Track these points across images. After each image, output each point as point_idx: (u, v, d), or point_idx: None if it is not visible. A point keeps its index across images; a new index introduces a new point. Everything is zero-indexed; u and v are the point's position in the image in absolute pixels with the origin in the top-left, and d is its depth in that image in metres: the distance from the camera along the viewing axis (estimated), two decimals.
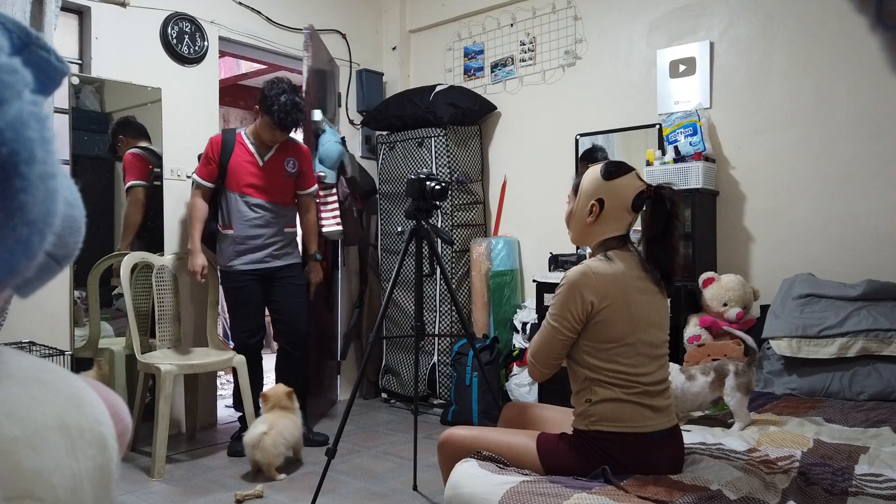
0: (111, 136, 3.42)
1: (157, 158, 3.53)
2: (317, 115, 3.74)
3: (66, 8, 3.14)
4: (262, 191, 3.28)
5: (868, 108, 3.04)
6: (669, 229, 1.74)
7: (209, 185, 3.27)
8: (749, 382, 2.32)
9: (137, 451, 3.22)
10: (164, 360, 3.10)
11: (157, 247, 3.50)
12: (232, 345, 3.57)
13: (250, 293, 3.32)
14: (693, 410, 2.42)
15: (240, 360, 3.26)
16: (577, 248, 3.56)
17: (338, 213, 3.80)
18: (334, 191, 3.83)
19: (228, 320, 3.47)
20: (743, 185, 3.38)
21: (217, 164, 3.26)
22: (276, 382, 3.31)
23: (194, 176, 3.31)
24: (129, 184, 3.43)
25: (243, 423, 3.23)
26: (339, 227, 3.80)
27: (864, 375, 2.65)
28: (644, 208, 1.78)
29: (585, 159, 3.83)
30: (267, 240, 3.31)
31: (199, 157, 3.40)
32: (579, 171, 3.70)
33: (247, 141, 3.30)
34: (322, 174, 3.69)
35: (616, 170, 1.77)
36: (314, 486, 2.48)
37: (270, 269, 3.33)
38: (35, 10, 2.75)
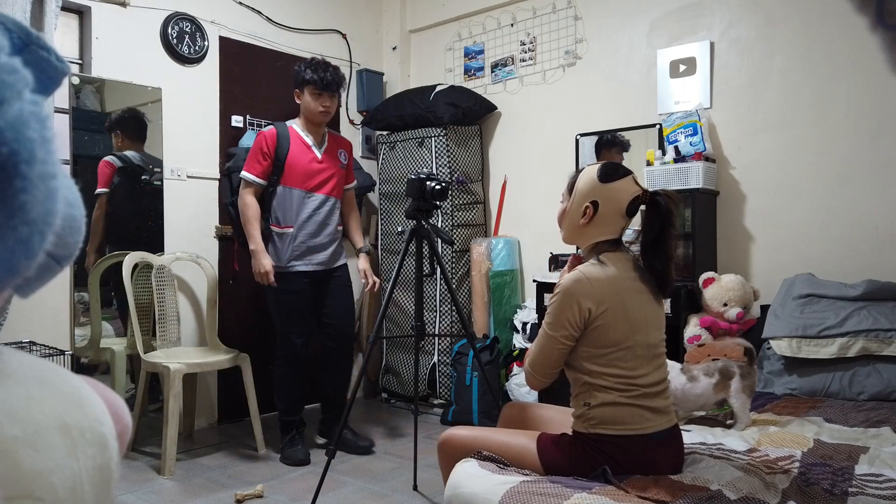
0: (109, 129, 3.35)
1: (141, 164, 3.46)
2: None
3: (66, 8, 3.13)
4: (325, 184, 3.14)
5: (868, 108, 3.04)
6: (665, 237, 1.72)
7: (263, 182, 3.07)
8: (753, 384, 2.32)
9: (137, 450, 3.22)
10: (169, 359, 3.10)
11: (157, 247, 3.50)
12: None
13: (305, 297, 3.16)
14: (695, 411, 2.42)
15: (244, 359, 3.27)
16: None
17: None
18: None
19: (278, 324, 3.19)
20: (743, 185, 3.38)
21: (272, 159, 3.06)
22: (322, 385, 3.31)
23: (245, 174, 3.08)
24: (96, 192, 3.29)
25: (291, 426, 3.19)
26: None
27: (864, 375, 2.65)
28: (641, 213, 1.77)
29: (607, 146, 3.73)
30: (327, 237, 3.17)
31: (228, 154, 3.28)
32: (600, 159, 3.65)
33: (301, 132, 3.13)
34: None
35: (613, 172, 1.76)
36: (314, 486, 2.48)
37: (328, 270, 3.20)
38: (35, 10, 2.75)
